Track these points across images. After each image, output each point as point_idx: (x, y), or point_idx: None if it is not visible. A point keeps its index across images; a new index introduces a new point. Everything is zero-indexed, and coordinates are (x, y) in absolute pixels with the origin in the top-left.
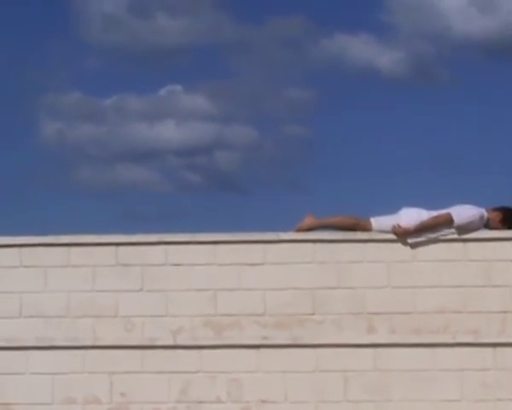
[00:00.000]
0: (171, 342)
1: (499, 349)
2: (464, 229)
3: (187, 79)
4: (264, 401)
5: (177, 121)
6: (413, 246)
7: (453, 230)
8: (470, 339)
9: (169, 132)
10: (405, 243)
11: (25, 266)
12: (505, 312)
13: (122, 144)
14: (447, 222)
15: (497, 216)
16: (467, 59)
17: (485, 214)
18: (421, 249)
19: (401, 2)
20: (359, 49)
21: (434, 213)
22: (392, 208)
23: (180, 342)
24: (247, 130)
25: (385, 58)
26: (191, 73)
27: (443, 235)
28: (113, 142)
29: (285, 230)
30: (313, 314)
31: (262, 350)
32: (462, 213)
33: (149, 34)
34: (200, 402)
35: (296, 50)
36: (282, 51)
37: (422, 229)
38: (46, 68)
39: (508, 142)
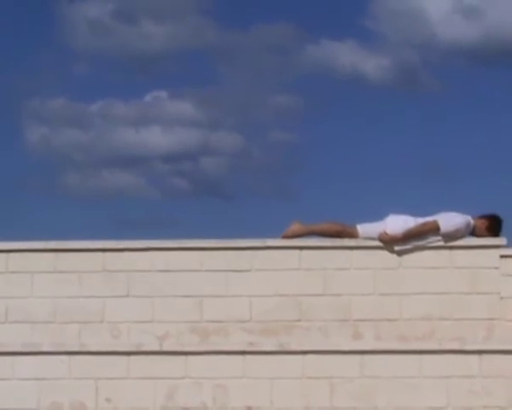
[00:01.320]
0: (157, 348)
1: (485, 356)
2: (451, 236)
3: (172, 84)
4: (250, 408)
5: (163, 127)
6: (399, 253)
7: (440, 237)
8: (456, 346)
9: (155, 138)
10: (392, 250)
11: (11, 272)
12: (491, 319)
13: (108, 150)
14: (434, 230)
15: (483, 224)
16: (453, 65)
17: (472, 222)
18: (407, 256)
19: (387, 9)
20: (346, 55)
21: (421, 221)
22: (379, 215)
23: (166, 347)
24: (234, 136)
25: (371, 65)
26: (177, 79)
27: (429, 242)
28: (99, 147)
29: (272, 236)
30: (299, 321)
31: (248, 356)
32: (449, 220)
33: (135, 40)
34: (186, 408)
35: (283, 57)
36: (268, 57)
37: (409, 236)
38: (31, 74)
39: (496, 148)
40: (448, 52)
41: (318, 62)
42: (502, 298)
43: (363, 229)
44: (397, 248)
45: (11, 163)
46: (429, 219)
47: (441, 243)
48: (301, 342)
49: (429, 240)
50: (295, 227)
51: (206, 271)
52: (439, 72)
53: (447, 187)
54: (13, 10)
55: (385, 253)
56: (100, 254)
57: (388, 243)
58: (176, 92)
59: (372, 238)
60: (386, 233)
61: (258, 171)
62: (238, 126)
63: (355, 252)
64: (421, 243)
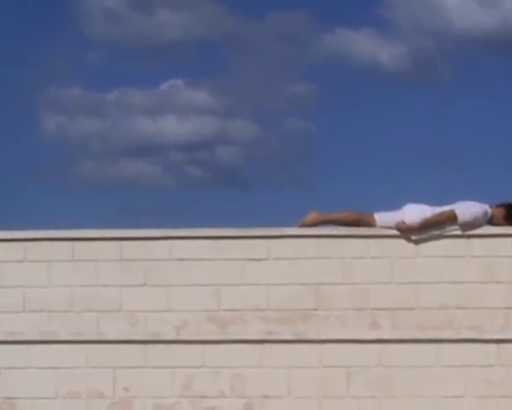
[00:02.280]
0: (174, 337)
1: (502, 345)
2: (468, 226)
3: (188, 73)
4: (267, 397)
5: (179, 116)
6: (416, 242)
7: (457, 226)
8: (474, 335)
9: (171, 127)
10: (409, 239)
11: (29, 261)
12: (508, 308)
13: (124, 139)
14: (451, 219)
15: (500, 212)
16: (468, 54)
17: (489, 211)
18: (424, 245)
19: None
20: (361, 44)
21: (438, 210)
22: (396, 204)
23: (183, 336)
24: (250, 125)
25: (386, 53)
26: (192, 68)
27: (447, 231)
28: (115, 136)
29: (288, 225)
30: (317, 310)
31: (265, 345)
32: (466, 209)
33: (150, 29)
34: (203, 397)
35: (297, 45)
36: (283, 46)
37: (426, 226)
38: (47, 63)
39: (510, 137)
40: (463, 40)
41: (333, 51)
42: None
43: (380, 218)
44: (414, 237)
45: (27, 153)
46: (446, 208)
47: (458, 232)
48: (319, 330)
49: (446, 229)
50: (313, 216)
51: (224, 260)
52: (454, 60)
53: (463, 175)
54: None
55: (402, 241)
56: (117, 242)
57: (406, 232)
58: (192, 81)
59: (389, 227)
60: (403, 222)
61: (274, 160)
62: (254, 115)
63: (372, 241)
64: (438, 231)
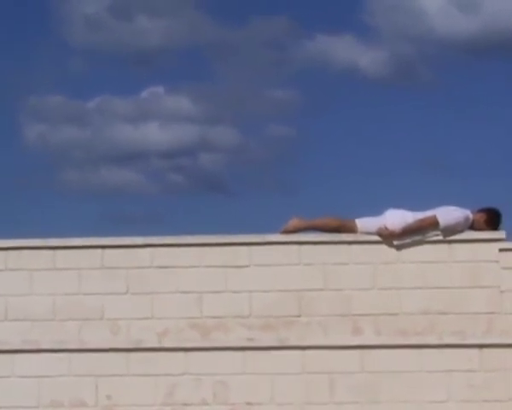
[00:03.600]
0: (156, 345)
1: (485, 350)
2: (449, 231)
3: (169, 80)
4: (250, 404)
5: (161, 123)
6: (398, 247)
7: (438, 232)
8: (456, 340)
9: (153, 134)
10: (391, 245)
11: (10, 269)
12: (491, 313)
13: (106, 146)
14: (433, 225)
15: (481, 217)
16: (449, 59)
17: (471, 216)
18: (406, 251)
19: (382, 3)
20: (342, 50)
21: (419, 215)
22: (378, 209)
23: (166, 344)
24: (231, 131)
25: (367, 59)
26: (173, 75)
27: (428, 237)
28: (97, 144)
29: (271, 231)
30: (299, 316)
31: (248, 352)
32: (448, 215)
33: (131, 36)
34: (186, 405)
35: (279, 51)
36: (264, 52)
37: (408, 232)
38: (28, 71)
39: (492, 142)
40: (444, 45)
41: (315, 57)
42: (502, 292)
43: (361, 224)
44: (396, 242)
45: (9, 161)
46: (428, 213)
47: (440, 238)
48: (301, 337)
49: (428, 234)
50: (294, 222)
51: (206, 267)
52: (435, 65)
53: (444, 181)
54: (9, 6)
55: (384, 247)
56: (99, 250)
57: (387, 238)
58: (173, 88)
59: (371, 233)
60: (386, 228)
61: (257, 166)
62: (235, 121)
63: (354, 247)
64: (419, 237)
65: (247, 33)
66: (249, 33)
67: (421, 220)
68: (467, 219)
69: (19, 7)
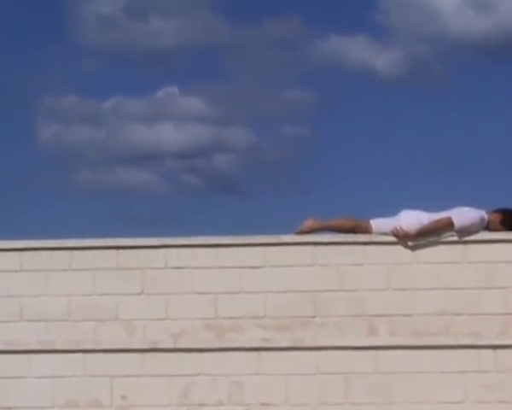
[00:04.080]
0: (171, 346)
1: (500, 351)
2: (465, 232)
3: (184, 80)
4: (265, 404)
5: (175, 123)
6: (413, 248)
7: (454, 233)
8: (471, 341)
9: (167, 135)
10: (406, 246)
11: (25, 270)
12: (506, 314)
13: (121, 147)
14: (448, 226)
15: (497, 218)
16: (464, 59)
17: (486, 216)
18: (421, 252)
19: (395, 2)
20: (355, 50)
21: (435, 217)
22: (393, 209)
23: (181, 345)
24: (246, 132)
25: (382, 59)
26: (187, 75)
27: (443, 237)
28: (111, 144)
29: (286, 232)
30: (314, 317)
31: (263, 353)
32: (463, 216)
33: (145, 36)
34: (202, 405)
35: (292, 52)
36: (278, 52)
37: (423, 233)
38: (43, 71)
39: (506, 142)
40: (459, 45)
41: (328, 57)
42: None
43: (376, 224)
44: (411, 243)
45: (24, 161)
46: (443, 214)
47: (455, 238)
48: (316, 338)
49: (443, 235)
50: (309, 223)
51: (220, 267)
52: (449, 65)
53: (457, 181)
54: (24, 7)
55: (399, 248)
56: (114, 251)
57: (402, 239)
58: (187, 88)
59: (386, 234)
60: (401, 229)
61: (271, 166)
62: (250, 122)
63: (369, 247)
64: (434, 238)
65: (260, 34)
66: (262, 34)
67: (437, 222)
68: (482, 219)
69: (33, 8)
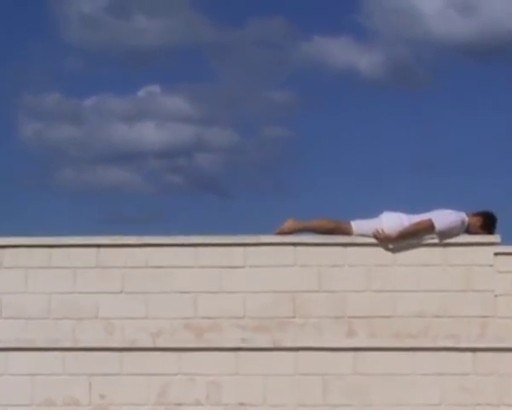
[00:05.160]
0: (150, 345)
1: (479, 354)
2: (445, 234)
3: (166, 80)
4: (243, 404)
5: (157, 123)
6: (393, 250)
7: (434, 235)
8: (450, 343)
9: (149, 134)
10: (386, 248)
11: (5, 267)
12: (485, 317)
13: (103, 145)
14: (428, 228)
15: (477, 221)
16: (447, 61)
17: (466, 219)
18: (401, 254)
19: (380, 5)
20: (339, 51)
21: (415, 219)
22: (374, 211)
23: (160, 344)
24: (228, 132)
25: (365, 61)
26: (170, 75)
27: (423, 240)
28: (93, 143)
29: (267, 233)
30: (294, 317)
31: (241, 353)
32: (443, 219)
33: (128, 35)
34: (179, 405)
35: (276, 52)
36: (261, 53)
37: (404, 236)
38: (25, 69)
39: (489, 144)
40: (442, 48)
41: (312, 58)
42: (496, 296)
43: (357, 226)
44: (391, 245)
45: (5, 159)
46: (423, 216)
47: (435, 241)
48: (295, 338)
49: (424, 237)
50: (289, 224)
51: (200, 267)
52: (432, 67)
53: (440, 183)
54: (6, 5)
55: (379, 250)
56: (94, 249)
57: (383, 241)
58: (169, 88)
59: (366, 235)
60: (382, 231)
61: (254, 167)
62: (232, 122)
63: (349, 249)
64: (415, 240)
65: (244, 34)
66: (246, 34)
67: (417, 224)
68: (463, 222)
69: (16, 5)
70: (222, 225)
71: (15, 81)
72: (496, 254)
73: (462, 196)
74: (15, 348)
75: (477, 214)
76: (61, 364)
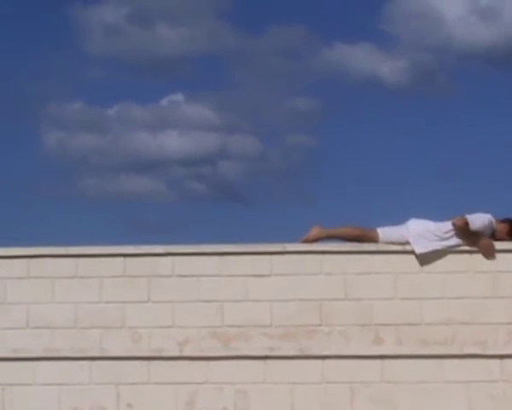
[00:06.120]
0: (177, 353)
1: (506, 361)
2: (479, 233)
3: (188, 88)
4: None
5: (180, 131)
6: (420, 257)
7: (461, 241)
8: (477, 351)
9: (172, 142)
10: (412, 255)
11: (32, 277)
12: None
13: (126, 154)
14: (464, 226)
15: (504, 228)
16: (469, 68)
17: (493, 220)
18: (427, 261)
19: (401, 11)
20: (361, 59)
21: (442, 226)
22: (397, 218)
23: (187, 353)
24: (251, 140)
25: (387, 68)
26: (192, 83)
27: (451, 247)
28: (116, 152)
29: (291, 241)
30: (320, 325)
31: (269, 361)
32: (475, 218)
33: (150, 44)
34: None
35: (297, 60)
36: (283, 61)
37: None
38: (48, 78)
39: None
40: (464, 54)
41: (334, 66)
42: None
43: (383, 233)
44: (417, 252)
45: (29, 168)
46: (450, 224)
47: (461, 248)
48: (322, 346)
49: (451, 244)
50: (315, 231)
51: (226, 276)
52: (455, 74)
53: (464, 190)
54: (28, 15)
55: (405, 257)
56: (120, 259)
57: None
58: (192, 96)
59: (393, 242)
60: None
61: (276, 175)
62: (255, 130)
63: (375, 256)
64: (441, 246)
65: (265, 42)
66: (268, 42)
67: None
68: (491, 222)
69: (39, 16)
70: (245, 233)
71: (39, 90)
72: None
73: (487, 202)
74: (43, 358)
75: (504, 221)
76: (88, 373)
